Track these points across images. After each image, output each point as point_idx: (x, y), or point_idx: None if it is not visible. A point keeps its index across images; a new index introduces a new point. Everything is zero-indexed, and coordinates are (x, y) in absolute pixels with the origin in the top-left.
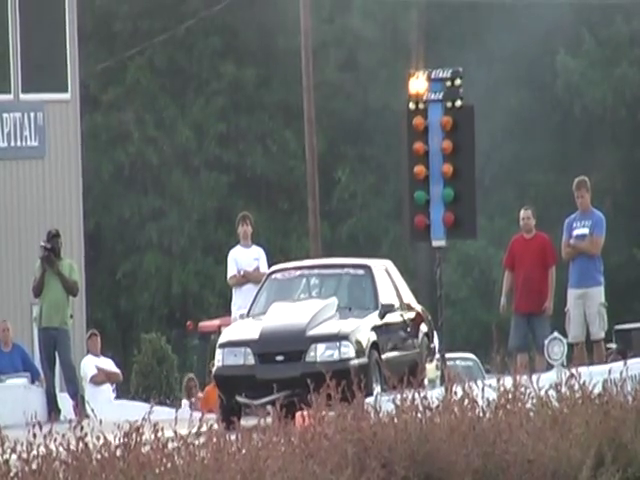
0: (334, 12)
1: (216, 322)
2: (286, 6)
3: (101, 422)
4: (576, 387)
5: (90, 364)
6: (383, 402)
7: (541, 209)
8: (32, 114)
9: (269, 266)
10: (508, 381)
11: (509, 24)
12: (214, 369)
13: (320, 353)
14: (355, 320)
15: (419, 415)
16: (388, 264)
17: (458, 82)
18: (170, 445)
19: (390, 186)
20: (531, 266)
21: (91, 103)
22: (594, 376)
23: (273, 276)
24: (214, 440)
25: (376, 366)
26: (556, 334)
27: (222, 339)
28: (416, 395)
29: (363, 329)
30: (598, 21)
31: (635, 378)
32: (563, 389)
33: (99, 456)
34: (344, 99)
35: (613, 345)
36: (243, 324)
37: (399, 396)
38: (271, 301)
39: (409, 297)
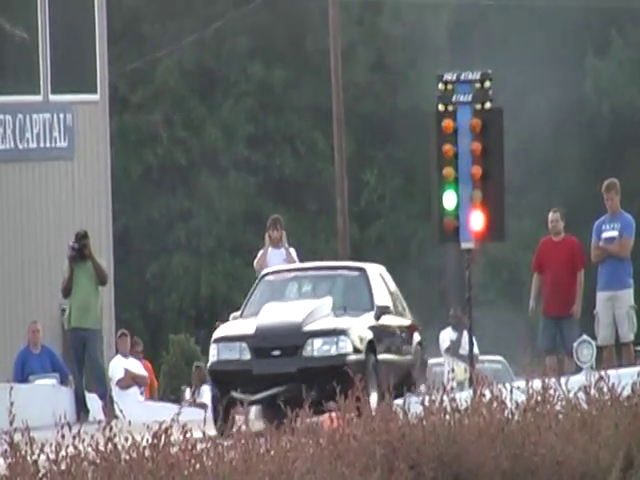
0: (363, 13)
1: None
2: (315, 7)
3: (130, 423)
4: (605, 389)
5: (118, 366)
6: (411, 404)
7: (570, 211)
8: (61, 115)
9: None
10: (537, 383)
11: (538, 26)
12: (208, 364)
13: (317, 347)
14: (351, 318)
15: (447, 417)
16: (382, 270)
17: (487, 84)
18: (199, 446)
19: (418, 188)
20: (559, 269)
21: (120, 104)
22: (623, 378)
23: (266, 278)
24: (242, 441)
25: (372, 364)
26: (585, 337)
27: (216, 335)
28: (444, 397)
29: (360, 327)
30: (626, 23)
31: None
32: (592, 391)
33: (128, 457)
34: (373, 100)
35: None
36: (238, 322)
37: (427, 398)
38: (264, 302)
39: (403, 305)
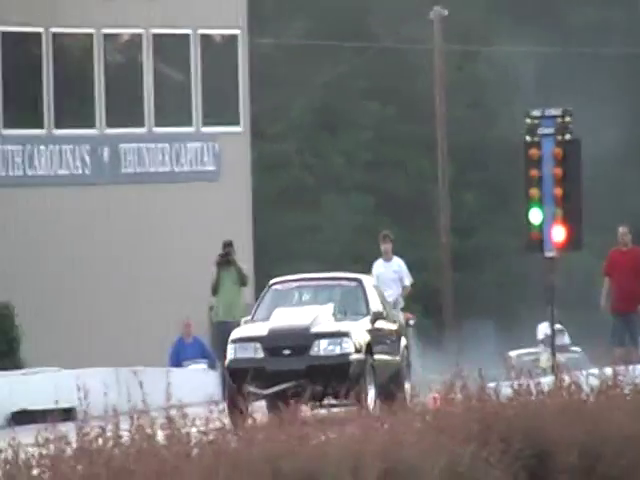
0: (463, 61)
1: None
2: (423, 55)
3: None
4: None
5: None
6: (502, 387)
7: (637, 227)
8: (210, 144)
9: (410, 272)
10: (608, 371)
11: (611, 70)
12: (227, 362)
13: (323, 348)
14: (351, 322)
15: (533, 398)
16: (374, 280)
17: (568, 119)
18: (324, 422)
19: (510, 205)
20: (627, 274)
21: (259, 135)
22: None
23: (274, 287)
24: (361, 418)
25: (370, 364)
26: None
27: (233, 336)
28: (530, 382)
29: (359, 330)
30: None
31: None
32: None
33: (265, 429)
34: (471, 132)
35: None
36: (251, 325)
37: (516, 382)
38: (273, 308)
39: (391, 312)
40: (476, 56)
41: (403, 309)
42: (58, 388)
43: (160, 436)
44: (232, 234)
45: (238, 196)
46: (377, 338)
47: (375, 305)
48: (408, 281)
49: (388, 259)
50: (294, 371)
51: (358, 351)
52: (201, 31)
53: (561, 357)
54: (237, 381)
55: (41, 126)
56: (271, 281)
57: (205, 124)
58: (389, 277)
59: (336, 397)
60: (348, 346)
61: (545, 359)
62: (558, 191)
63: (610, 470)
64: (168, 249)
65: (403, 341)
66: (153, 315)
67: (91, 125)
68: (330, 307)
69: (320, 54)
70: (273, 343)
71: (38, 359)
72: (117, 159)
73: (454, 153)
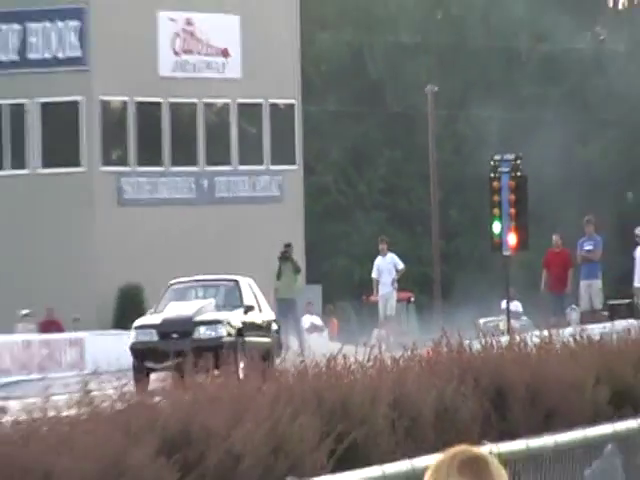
0: (448, 119)
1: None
2: (420, 116)
3: (314, 354)
4: (584, 336)
5: (306, 320)
6: (473, 344)
7: (567, 234)
8: (276, 177)
9: (403, 263)
10: (545, 332)
11: (553, 130)
12: (129, 344)
13: (202, 332)
14: (227, 313)
15: (494, 351)
16: (251, 281)
17: (519, 162)
18: (352, 367)
19: (480, 219)
20: (558, 267)
21: (309, 171)
22: (595, 330)
23: (172, 287)
24: (377, 364)
25: (241, 344)
26: (573, 306)
27: (135, 324)
28: (493, 340)
29: (232, 318)
30: (605, 121)
31: (619, 332)
32: (577, 338)
33: (315, 370)
34: (454, 170)
35: (606, 313)
36: (151, 315)
37: (482, 340)
38: (169, 302)
39: (265, 305)
40: (457, 117)
41: (399, 289)
42: None
43: (240, 374)
44: (290, 238)
45: (294, 213)
46: (248, 325)
47: (248, 300)
48: (400, 267)
49: (384, 255)
50: (180, 351)
51: (230, 335)
52: (270, 101)
53: (515, 323)
54: (138, 358)
55: (161, 165)
56: (170, 282)
57: (272, 163)
58: (385, 268)
59: (215, 369)
60: (221, 331)
61: (503, 324)
62: (512, 211)
63: (547, 401)
64: (247, 248)
65: (274, 326)
66: None
67: (195, 164)
68: (212, 301)
69: (350, 116)
70: (164, 329)
71: None
72: (213, 187)
73: (442, 183)
